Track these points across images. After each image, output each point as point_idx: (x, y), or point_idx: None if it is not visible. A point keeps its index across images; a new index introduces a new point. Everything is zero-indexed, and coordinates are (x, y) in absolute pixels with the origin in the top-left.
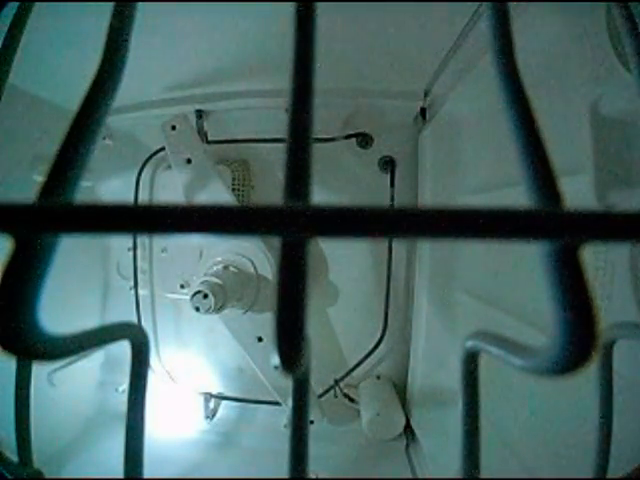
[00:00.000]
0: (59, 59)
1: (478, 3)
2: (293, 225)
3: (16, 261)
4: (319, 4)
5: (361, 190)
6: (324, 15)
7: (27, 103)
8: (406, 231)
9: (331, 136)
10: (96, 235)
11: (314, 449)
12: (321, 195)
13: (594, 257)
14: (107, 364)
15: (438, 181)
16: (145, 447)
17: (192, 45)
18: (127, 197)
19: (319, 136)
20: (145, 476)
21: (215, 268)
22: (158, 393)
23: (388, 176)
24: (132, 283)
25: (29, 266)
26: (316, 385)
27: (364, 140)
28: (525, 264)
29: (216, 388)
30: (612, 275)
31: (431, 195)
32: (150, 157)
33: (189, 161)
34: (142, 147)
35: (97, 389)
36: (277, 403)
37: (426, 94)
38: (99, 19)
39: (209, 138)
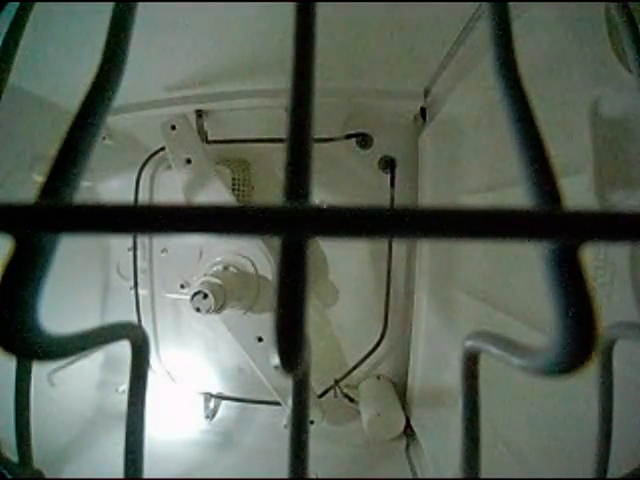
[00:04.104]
0: (59, 59)
1: (478, 3)
2: (293, 225)
3: (16, 261)
4: (319, 4)
5: (361, 190)
6: (324, 15)
7: (27, 103)
8: (406, 231)
9: (331, 136)
10: (96, 235)
11: (314, 449)
12: (321, 195)
13: (594, 257)
14: (107, 364)
15: (438, 181)
16: (145, 447)
17: (192, 45)
18: (127, 197)
19: (319, 136)
20: (145, 476)
21: (215, 268)
22: (158, 393)
23: (388, 176)
24: (132, 283)
25: (29, 266)
26: (316, 385)
27: (364, 140)
28: (525, 264)
29: (216, 388)
30: (612, 275)
31: (431, 195)
32: (150, 157)
33: (189, 161)
34: (142, 147)
35: (97, 389)
36: (277, 403)
37: (426, 94)
38: (99, 19)
39: (209, 138)
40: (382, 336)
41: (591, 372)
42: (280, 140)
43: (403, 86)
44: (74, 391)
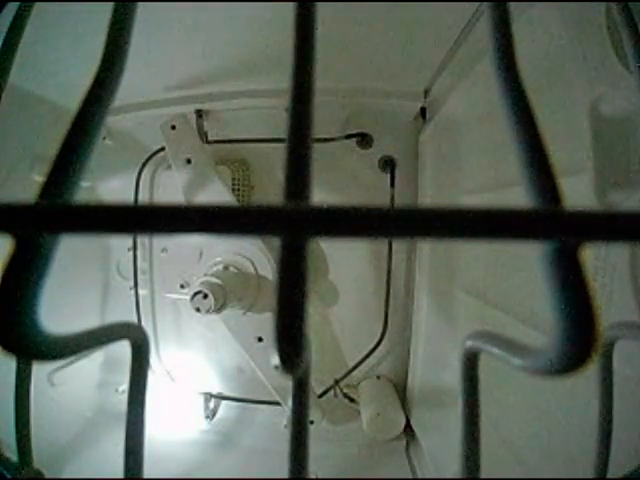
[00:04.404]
0: (59, 58)
1: (478, 3)
2: (293, 225)
3: (16, 261)
4: (319, 4)
5: (361, 190)
6: (324, 15)
7: (27, 103)
8: (406, 231)
9: (331, 136)
10: (96, 235)
11: (314, 449)
12: (321, 195)
13: (594, 257)
14: (107, 364)
15: (438, 181)
16: (145, 447)
17: (192, 45)
18: (127, 197)
19: (319, 136)
20: (145, 476)
21: (215, 268)
22: (158, 393)
23: (388, 176)
24: (132, 283)
25: (29, 266)
26: (316, 385)
27: (364, 140)
28: (525, 264)
29: (216, 388)
30: (612, 275)
31: (431, 195)
32: (150, 157)
33: (189, 161)
34: (142, 147)
35: (97, 389)
36: (277, 403)
37: (426, 94)
38: (99, 19)
39: (209, 138)
40: (382, 336)
41: (591, 372)
42: (280, 140)
43: (403, 86)
44: (74, 391)
